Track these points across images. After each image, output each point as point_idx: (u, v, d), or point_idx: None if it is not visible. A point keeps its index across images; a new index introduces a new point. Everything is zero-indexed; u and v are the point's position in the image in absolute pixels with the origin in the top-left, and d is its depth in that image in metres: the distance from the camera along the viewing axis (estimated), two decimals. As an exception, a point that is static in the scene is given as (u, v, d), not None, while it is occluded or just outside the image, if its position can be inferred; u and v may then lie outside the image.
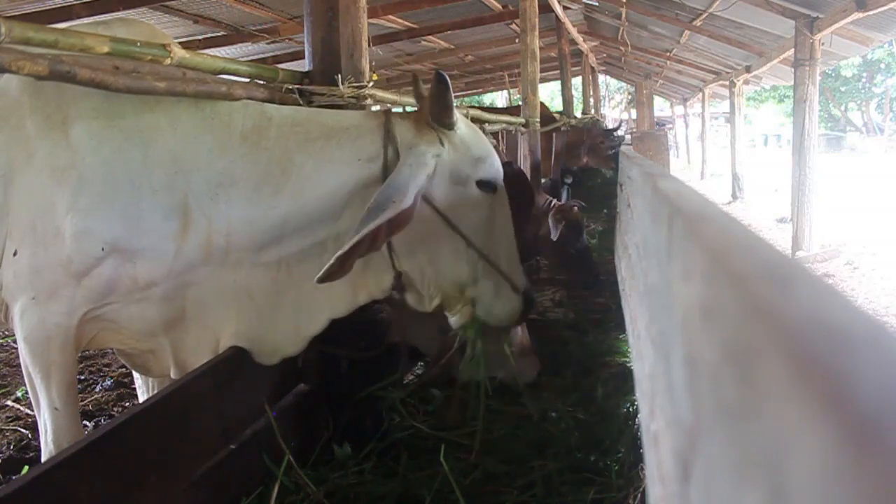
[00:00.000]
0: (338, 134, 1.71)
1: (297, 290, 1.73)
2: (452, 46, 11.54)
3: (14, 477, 2.36)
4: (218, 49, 8.23)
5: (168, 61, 1.58)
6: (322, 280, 1.47)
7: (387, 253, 1.72)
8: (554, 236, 3.72)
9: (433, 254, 1.76)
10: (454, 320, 1.85)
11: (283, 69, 2.01)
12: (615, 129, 9.30)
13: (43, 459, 1.71)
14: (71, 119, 1.62)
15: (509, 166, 3.84)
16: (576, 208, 3.91)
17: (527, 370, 2.36)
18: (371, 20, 4.02)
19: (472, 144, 1.78)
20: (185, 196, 1.64)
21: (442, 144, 1.71)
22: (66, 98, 1.62)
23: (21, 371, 1.75)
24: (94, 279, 1.62)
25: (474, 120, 3.70)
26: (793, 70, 7.36)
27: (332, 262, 1.45)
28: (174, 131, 1.65)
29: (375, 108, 2.28)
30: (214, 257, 1.67)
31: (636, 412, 2.00)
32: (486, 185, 1.79)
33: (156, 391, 2.14)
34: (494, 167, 1.81)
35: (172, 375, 1.81)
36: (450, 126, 1.73)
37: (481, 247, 1.77)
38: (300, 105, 1.99)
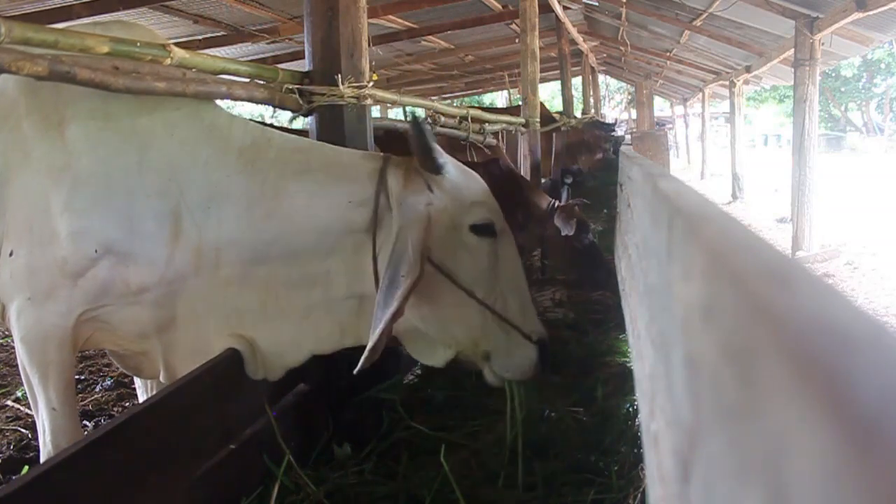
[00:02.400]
0: (335, 170, 1.67)
1: (284, 317, 1.69)
2: (452, 46, 11.55)
3: (14, 477, 2.37)
4: (218, 49, 8.23)
5: (168, 61, 1.58)
6: (361, 369, 1.48)
7: None
8: (570, 232, 3.71)
9: (434, 307, 1.67)
10: (486, 376, 1.76)
11: (283, 69, 2.01)
12: (613, 125, 9.31)
13: (42, 460, 1.71)
14: (67, 120, 1.62)
15: (497, 165, 3.82)
16: (577, 207, 3.92)
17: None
18: (371, 20, 4.03)
19: (463, 188, 1.66)
20: (177, 204, 1.63)
21: (431, 190, 1.62)
22: (63, 98, 1.62)
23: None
24: (90, 280, 1.62)
25: (474, 120, 3.70)
26: (793, 70, 7.36)
27: (365, 355, 1.45)
28: (171, 138, 1.65)
29: (376, 108, 2.28)
30: (204, 270, 1.66)
31: (636, 412, 2.00)
32: (482, 230, 1.67)
33: (155, 391, 2.14)
34: (490, 210, 1.69)
35: (162, 380, 1.81)
36: (436, 170, 1.62)
37: (485, 297, 1.67)
38: (301, 105, 1.99)
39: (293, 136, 1.80)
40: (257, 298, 1.69)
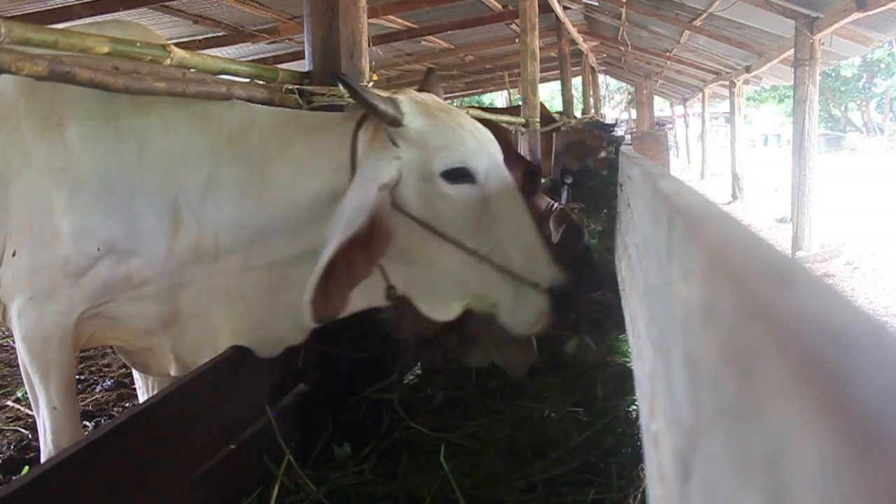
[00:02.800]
0: (314, 140, 1.65)
1: (294, 291, 1.66)
2: (452, 46, 11.55)
3: (14, 477, 2.37)
4: (218, 49, 8.23)
5: (168, 62, 1.58)
6: (316, 322, 1.47)
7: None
8: (554, 238, 3.74)
9: (426, 264, 1.60)
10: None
11: (283, 69, 2.01)
12: (613, 126, 9.33)
13: (42, 460, 1.72)
14: (66, 120, 1.63)
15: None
16: (577, 211, 3.94)
17: (518, 363, 2.28)
18: (371, 20, 4.02)
19: (428, 134, 1.54)
20: (176, 198, 1.63)
21: (396, 144, 1.55)
22: (62, 99, 1.63)
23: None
24: (91, 279, 1.63)
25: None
26: (793, 70, 7.36)
27: (305, 299, 1.42)
28: (166, 133, 1.65)
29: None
30: (204, 259, 1.66)
31: (636, 412, 2.00)
32: (455, 176, 1.54)
33: (156, 391, 2.14)
34: (461, 153, 1.54)
35: (172, 373, 1.81)
36: (394, 123, 1.53)
37: (477, 247, 1.56)
38: (301, 106, 1.99)
39: (278, 110, 1.77)
40: (262, 280, 1.68)
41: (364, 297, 1.65)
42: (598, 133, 8.25)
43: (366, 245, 1.44)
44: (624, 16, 10.25)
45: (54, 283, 1.62)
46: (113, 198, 1.62)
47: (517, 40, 7.19)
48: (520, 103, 5.93)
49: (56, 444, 1.69)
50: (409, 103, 1.58)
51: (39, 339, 1.65)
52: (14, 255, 1.65)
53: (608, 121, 13.14)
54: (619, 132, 10.93)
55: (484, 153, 1.61)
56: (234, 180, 1.64)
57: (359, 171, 1.55)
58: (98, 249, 1.61)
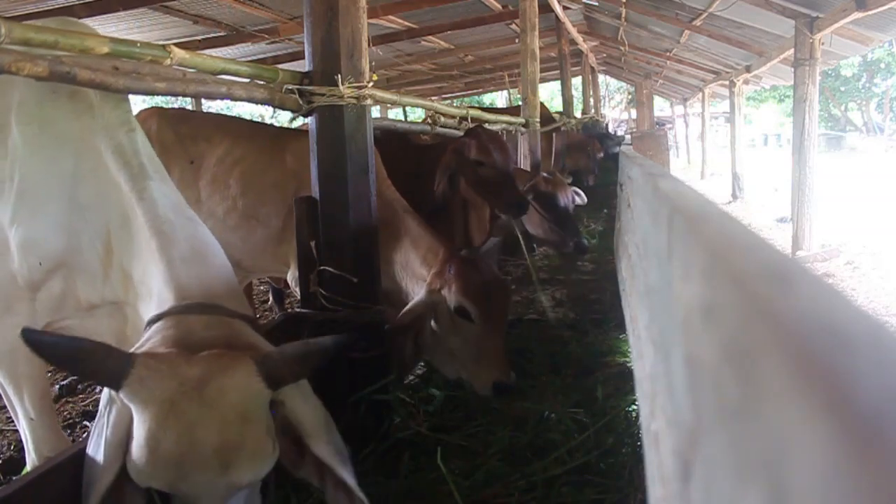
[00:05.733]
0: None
1: None
2: (452, 46, 11.54)
3: (14, 477, 2.36)
4: (218, 49, 8.23)
5: (168, 62, 1.58)
6: None
7: None
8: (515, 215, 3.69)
9: None
10: None
11: (282, 69, 2.01)
12: (614, 135, 9.42)
13: (28, 468, 1.69)
14: (10, 126, 1.56)
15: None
16: (541, 179, 4.13)
17: (482, 381, 2.14)
18: (371, 20, 4.02)
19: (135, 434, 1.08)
20: (107, 222, 1.54)
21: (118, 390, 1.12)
22: (7, 103, 1.56)
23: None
24: (46, 293, 1.58)
25: (474, 120, 3.69)
26: (793, 70, 7.35)
27: None
28: (96, 150, 1.55)
29: (375, 108, 2.27)
30: (133, 298, 1.52)
31: (637, 412, 2.00)
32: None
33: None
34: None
35: None
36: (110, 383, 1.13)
37: None
38: (300, 105, 1.99)
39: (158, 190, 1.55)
40: None
41: None
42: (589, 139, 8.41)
43: None
44: (624, 16, 10.24)
45: (11, 297, 1.57)
46: (52, 209, 1.53)
47: (517, 40, 7.19)
48: (520, 103, 5.92)
49: (39, 454, 1.66)
50: (149, 379, 1.09)
51: (6, 353, 1.61)
52: None
53: (608, 122, 13.15)
54: (620, 132, 10.99)
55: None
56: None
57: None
58: (40, 263, 1.53)
